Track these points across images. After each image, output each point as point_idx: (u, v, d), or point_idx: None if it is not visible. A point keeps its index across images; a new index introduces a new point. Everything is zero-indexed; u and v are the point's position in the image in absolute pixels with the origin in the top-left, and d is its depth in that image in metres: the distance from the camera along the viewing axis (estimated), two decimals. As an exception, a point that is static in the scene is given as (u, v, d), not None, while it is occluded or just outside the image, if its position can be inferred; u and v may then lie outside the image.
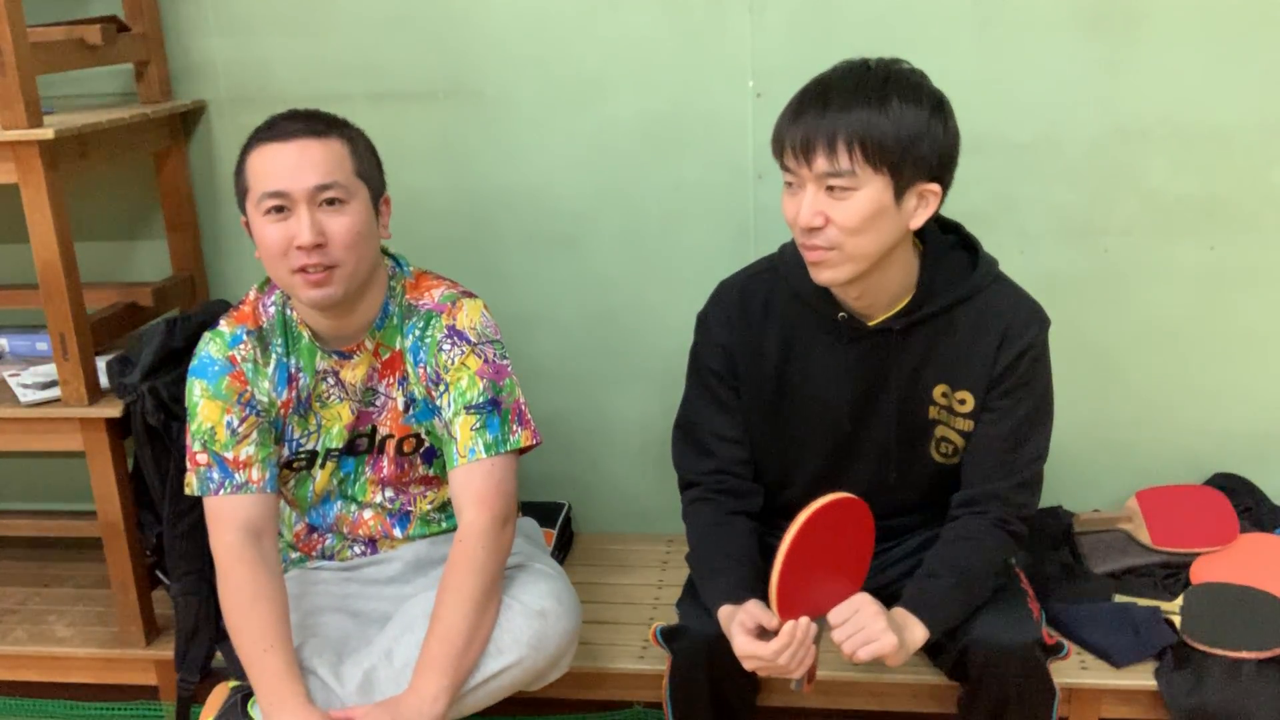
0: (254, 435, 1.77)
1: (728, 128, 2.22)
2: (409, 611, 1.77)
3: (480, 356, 1.77)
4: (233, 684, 1.83)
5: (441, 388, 1.78)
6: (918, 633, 1.62)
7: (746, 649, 1.57)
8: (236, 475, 1.76)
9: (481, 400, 1.76)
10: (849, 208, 1.55)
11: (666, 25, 2.19)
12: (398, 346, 1.81)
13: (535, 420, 1.83)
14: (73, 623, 2.28)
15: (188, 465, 1.79)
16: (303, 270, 1.67)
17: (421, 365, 1.79)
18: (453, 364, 1.77)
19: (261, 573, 1.73)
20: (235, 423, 1.76)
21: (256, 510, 1.76)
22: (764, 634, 1.57)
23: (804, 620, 1.55)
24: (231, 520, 1.75)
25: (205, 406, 1.76)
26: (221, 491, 1.76)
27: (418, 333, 1.80)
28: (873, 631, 1.55)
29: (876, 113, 1.52)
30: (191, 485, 1.78)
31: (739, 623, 1.59)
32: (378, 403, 1.83)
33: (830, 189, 1.55)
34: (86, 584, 2.41)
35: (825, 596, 1.59)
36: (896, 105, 1.53)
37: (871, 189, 1.54)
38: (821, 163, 1.54)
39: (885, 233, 1.58)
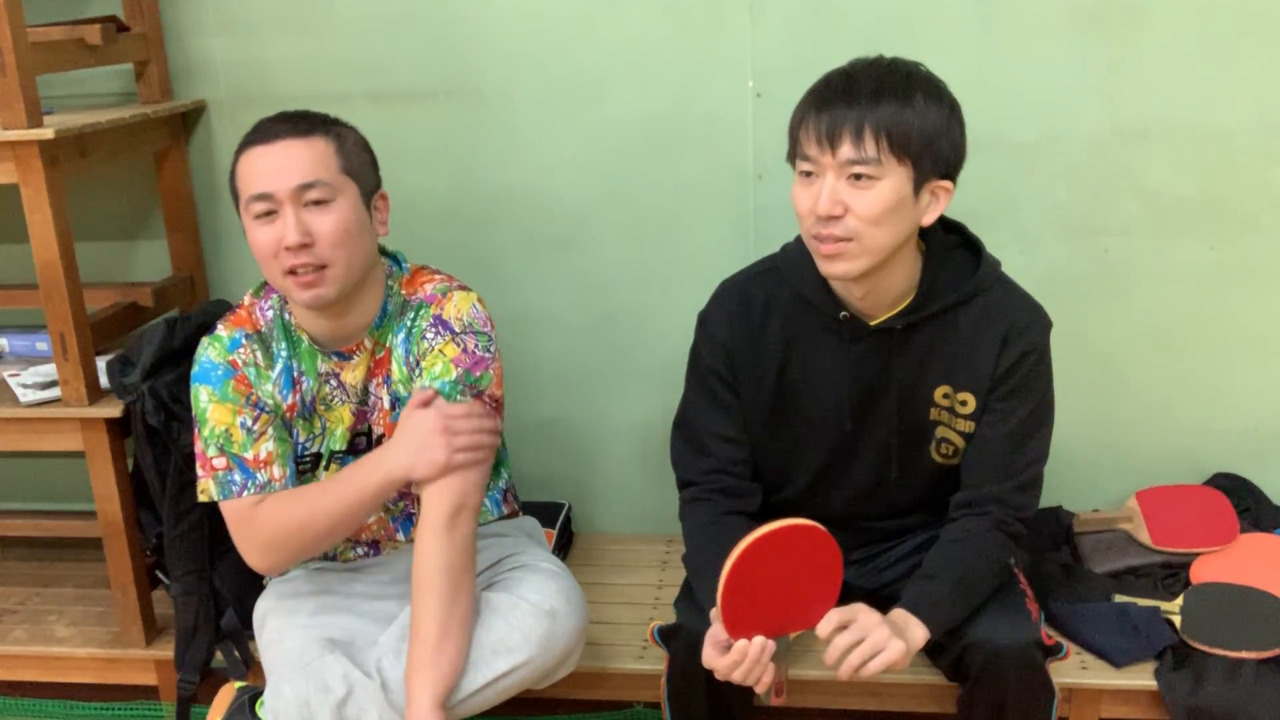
0: (270, 431, 1.76)
1: (728, 128, 2.22)
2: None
3: (459, 346, 1.75)
4: (239, 685, 1.83)
5: (417, 372, 1.77)
6: (918, 634, 1.61)
7: (707, 659, 1.58)
8: (259, 475, 1.74)
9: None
10: (871, 197, 1.55)
11: (666, 25, 2.19)
12: (389, 344, 1.80)
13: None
14: (73, 623, 2.28)
15: (200, 473, 1.76)
16: (294, 272, 1.67)
17: (406, 355, 1.79)
18: (431, 350, 1.76)
19: (282, 491, 1.76)
20: (249, 422, 1.75)
21: None
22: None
23: (758, 640, 1.53)
24: (249, 505, 1.74)
25: (215, 410, 1.75)
26: (245, 493, 1.74)
27: (408, 325, 1.79)
28: (878, 640, 1.53)
29: (903, 106, 1.54)
30: (209, 492, 1.75)
31: (711, 633, 1.59)
32: (370, 402, 1.83)
33: (852, 178, 1.55)
34: (86, 584, 2.41)
35: (786, 618, 1.56)
36: (921, 101, 1.55)
37: (894, 180, 1.55)
38: (848, 150, 1.54)
39: (901, 226, 1.59)
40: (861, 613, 1.56)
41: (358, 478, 1.71)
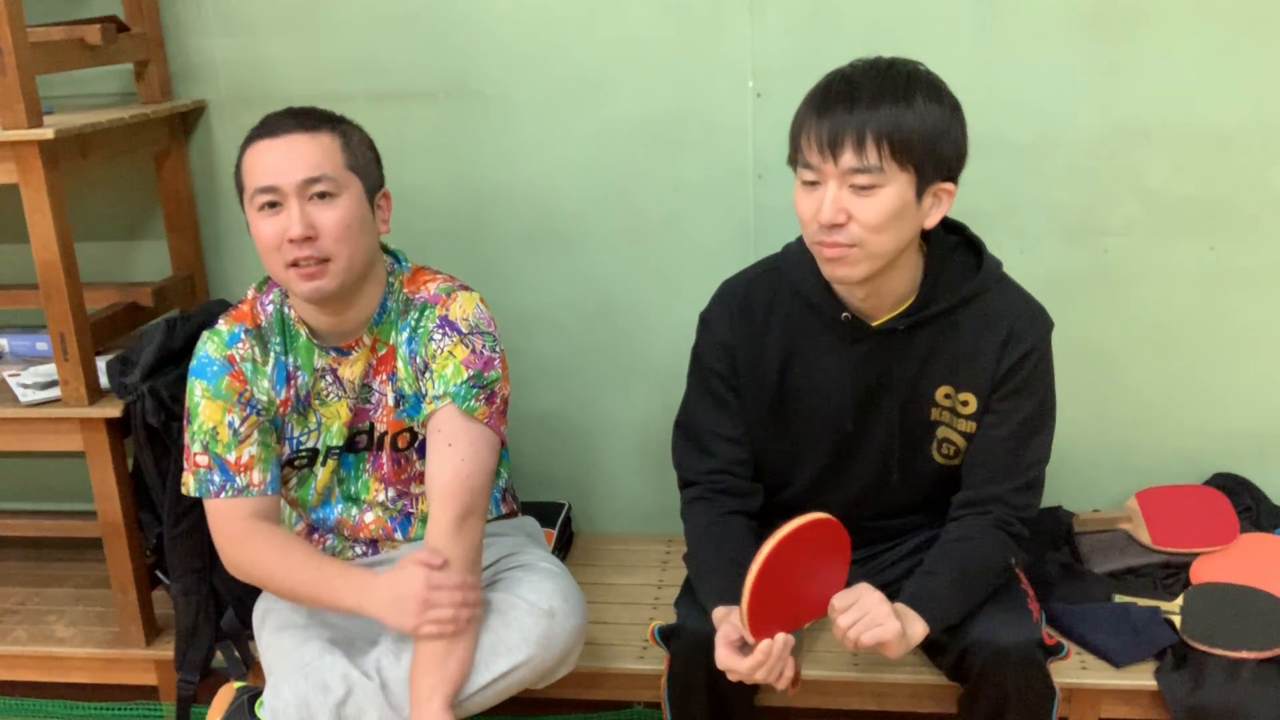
0: (255, 435, 1.77)
1: (728, 128, 2.22)
2: None
3: (468, 347, 1.76)
4: (238, 685, 1.83)
5: (428, 375, 1.78)
6: (918, 627, 1.62)
7: (726, 662, 1.59)
8: (238, 479, 1.76)
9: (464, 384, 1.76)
10: (873, 205, 1.55)
11: (666, 25, 2.19)
12: (393, 341, 1.81)
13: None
14: (73, 623, 2.28)
15: (185, 465, 1.79)
16: (296, 264, 1.67)
17: (413, 356, 1.79)
18: (441, 352, 1.76)
19: (280, 530, 1.77)
20: (237, 423, 1.76)
21: (259, 509, 1.77)
22: (746, 646, 1.58)
23: (780, 637, 1.55)
24: (236, 514, 1.76)
25: (206, 407, 1.76)
26: (222, 495, 1.76)
27: (413, 325, 1.79)
28: (877, 616, 1.56)
29: (904, 110, 1.53)
30: (189, 486, 1.78)
31: (722, 635, 1.59)
32: (373, 399, 1.83)
33: (855, 186, 1.55)
34: (86, 584, 2.41)
35: (800, 611, 1.59)
36: (921, 103, 1.54)
37: (896, 186, 1.54)
38: (849, 158, 1.54)
39: (904, 231, 1.58)
40: (865, 592, 1.59)
41: (337, 583, 1.71)
